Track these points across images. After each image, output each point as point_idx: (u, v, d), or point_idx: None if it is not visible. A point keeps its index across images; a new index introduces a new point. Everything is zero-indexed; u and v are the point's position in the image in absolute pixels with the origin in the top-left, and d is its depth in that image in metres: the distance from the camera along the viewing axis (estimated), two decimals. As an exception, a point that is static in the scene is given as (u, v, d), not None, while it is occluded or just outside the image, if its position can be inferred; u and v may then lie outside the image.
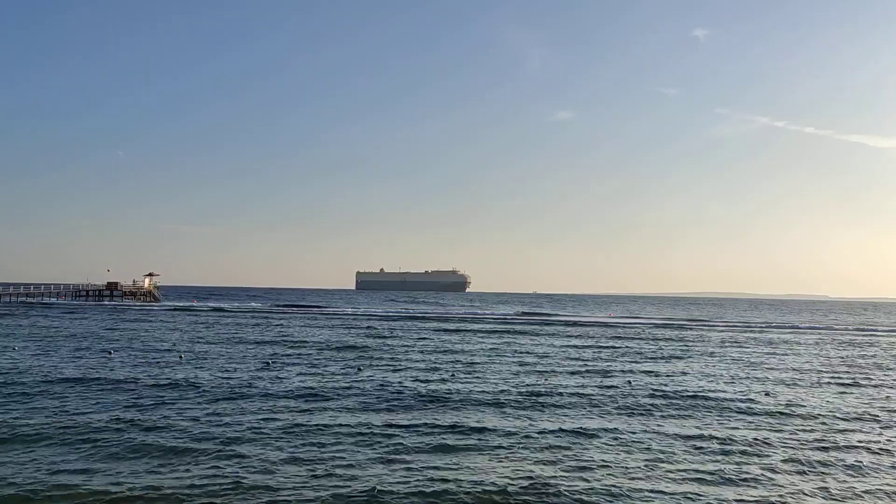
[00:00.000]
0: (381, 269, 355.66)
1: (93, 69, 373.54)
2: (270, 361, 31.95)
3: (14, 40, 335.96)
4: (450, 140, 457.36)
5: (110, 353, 34.32)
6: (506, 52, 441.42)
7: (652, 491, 13.02)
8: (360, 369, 29.77)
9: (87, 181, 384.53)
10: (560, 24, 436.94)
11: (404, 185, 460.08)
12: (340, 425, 17.91)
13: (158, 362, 31.07)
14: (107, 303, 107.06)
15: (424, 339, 48.58)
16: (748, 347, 46.77)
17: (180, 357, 32.99)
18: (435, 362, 33.57)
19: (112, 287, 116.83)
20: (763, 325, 79.97)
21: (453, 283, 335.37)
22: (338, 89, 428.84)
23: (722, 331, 67.20)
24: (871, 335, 65.00)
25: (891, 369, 35.02)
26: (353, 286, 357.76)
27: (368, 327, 60.02)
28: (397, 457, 14.99)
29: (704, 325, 77.48)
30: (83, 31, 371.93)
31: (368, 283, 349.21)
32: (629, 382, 27.11)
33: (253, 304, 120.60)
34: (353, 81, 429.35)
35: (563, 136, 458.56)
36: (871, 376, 31.63)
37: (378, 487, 12.67)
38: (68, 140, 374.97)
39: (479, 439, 16.83)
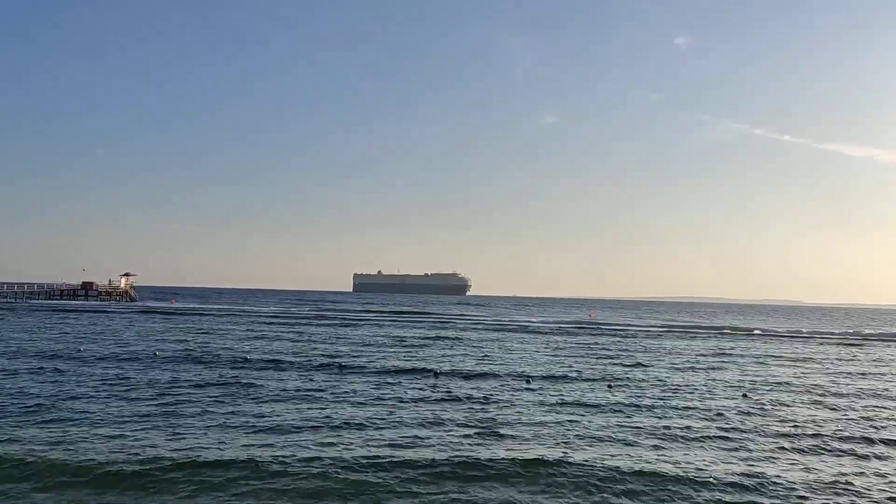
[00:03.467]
0: (379, 272, 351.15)
1: (93, 71, 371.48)
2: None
3: (11, 41, 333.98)
4: (448, 145, 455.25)
5: None
6: (497, 60, 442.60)
7: None
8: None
9: (83, 180, 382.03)
10: (549, 35, 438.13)
11: (402, 189, 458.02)
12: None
13: None
14: (55, 302, 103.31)
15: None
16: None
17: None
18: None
19: (87, 287, 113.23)
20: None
21: (454, 286, 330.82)
22: (337, 96, 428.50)
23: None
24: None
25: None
26: (350, 288, 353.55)
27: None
28: None
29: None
30: (86, 34, 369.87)
31: (366, 286, 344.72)
32: (609, 387, 26.18)
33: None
34: (354, 87, 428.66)
35: (548, 141, 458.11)
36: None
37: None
38: (62, 141, 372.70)
39: None
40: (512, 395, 23.91)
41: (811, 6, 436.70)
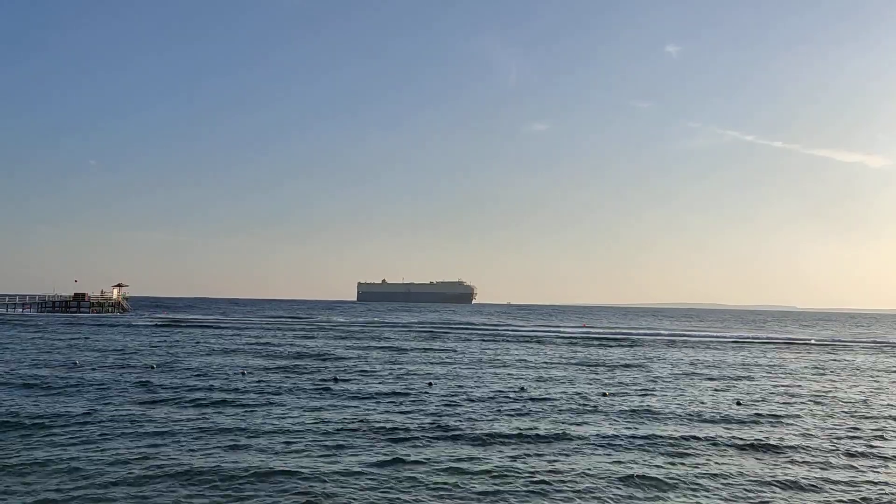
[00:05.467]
0: (384, 280, 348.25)
1: (89, 82, 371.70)
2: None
3: (6, 51, 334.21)
4: (452, 153, 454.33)
5: None
6: (496, 68, 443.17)
7: None
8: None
9: (81, 190, 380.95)
10: (544, 44, 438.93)
11: (407, 197, 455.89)
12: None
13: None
14: (46, 315, 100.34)
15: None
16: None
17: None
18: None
19: (79, 298, 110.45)
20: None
21: (459, 295, 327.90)
22: (340, 105, 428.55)
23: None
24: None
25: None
26: (354, 298, 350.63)
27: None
28: None
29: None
30: (81, 46, 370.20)
31: (370, 295, 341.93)
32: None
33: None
34: (356, 97, 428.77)
35: (541, 149, 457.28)
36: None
37: None
38: (58, 151, 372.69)
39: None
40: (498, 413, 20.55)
41: (801, 15, 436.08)
